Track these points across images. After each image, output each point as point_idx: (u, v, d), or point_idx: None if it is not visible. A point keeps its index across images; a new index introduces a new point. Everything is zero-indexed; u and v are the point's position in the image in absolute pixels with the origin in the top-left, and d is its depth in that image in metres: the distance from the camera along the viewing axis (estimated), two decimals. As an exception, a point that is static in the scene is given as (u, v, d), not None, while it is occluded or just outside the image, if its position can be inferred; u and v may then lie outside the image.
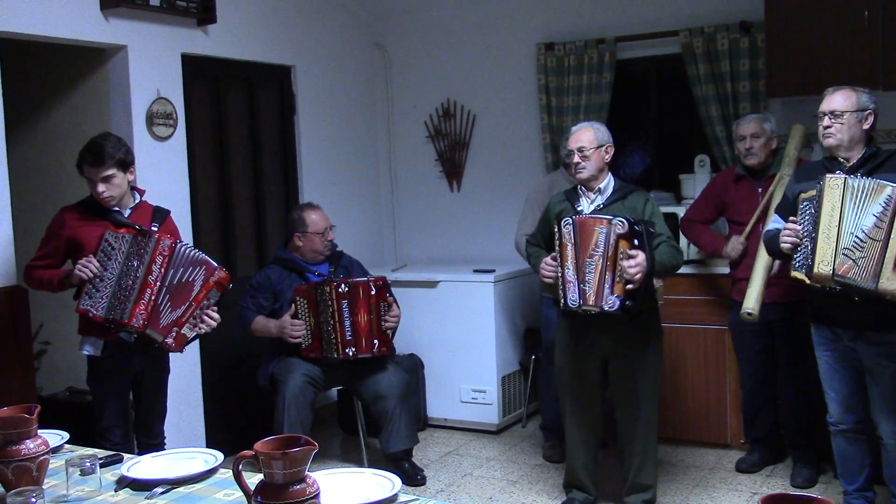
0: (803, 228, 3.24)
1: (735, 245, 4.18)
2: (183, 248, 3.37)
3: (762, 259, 3.91)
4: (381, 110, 6.05)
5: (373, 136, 6.02)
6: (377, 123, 6.04)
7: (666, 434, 4.47)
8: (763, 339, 4.19)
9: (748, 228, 4.13)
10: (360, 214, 5.86)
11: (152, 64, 4.39)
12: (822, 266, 3.13)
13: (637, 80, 5.47)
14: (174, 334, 3.36)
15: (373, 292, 4.25)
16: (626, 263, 3.37)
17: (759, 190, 4.16)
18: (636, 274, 3.36)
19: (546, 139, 5.42)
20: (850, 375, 3.40)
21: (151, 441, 3.58)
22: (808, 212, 3.24)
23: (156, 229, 3.44)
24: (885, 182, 3.09)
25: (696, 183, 4.83)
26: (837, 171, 3.24)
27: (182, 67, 4.55)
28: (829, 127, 3.32)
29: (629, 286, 3.39)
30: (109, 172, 3.37)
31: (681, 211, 4.65)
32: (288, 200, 5.30)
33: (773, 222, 3.54)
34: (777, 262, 3.89)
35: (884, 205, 3.07)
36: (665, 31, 5.07)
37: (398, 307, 4.39)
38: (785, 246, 3.31)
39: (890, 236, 3.05)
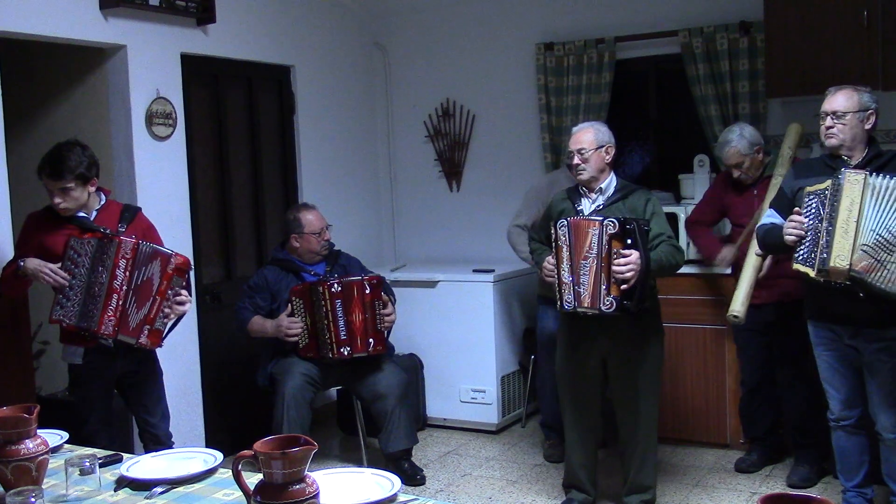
0: (809, 222, 3.22)
1: (726, 255, 4.21)
2: (145, 247, 3.27)
3: (751, 262, 3.91)
4: (381, 110, 6.04)
5: (372, 136, 6.02)
6: (376, 123, 6.04)
7: (666, 434, 4.46)
8: (762, 338, 4.19)
9: (742, 237, 4.13)
10: (360, 214, 5.86)
11: (152, 64, 4.39)
12: (839, 261, 3.10)
13: (636, 80, 5.46)
14: (146, 332, 3.26)
15: (367, 291, 4.23)
16: (618, 262, 3.37)
17: (755, 192, 4.16)
18: (628, 272, 3.35)
19: (545, 139, 5.41)
20: (850, 374, 3.40)
21: (160, 445, 3.49)
22: (813, 206, 3.22)
23: (123, 230, 3.36)
24: None
25: (695, 183, 4.82)
26: (851, 168, 3.21)
27: (181, 67, 4.55)
28: (831, 127, 3.30)
29: (623, 286, 3.39)
30: (68, 185, 3.26)
31: (681, 211, 4.66)
32: (287, 200, 5.29)
33: (768, 216, 3.52)
34: (766, 264, 3.90)
35: None
36: (664, 31, 5.07)
37: (393, 307, 4.37)
38: (790, 238, 3.27)
39: None
